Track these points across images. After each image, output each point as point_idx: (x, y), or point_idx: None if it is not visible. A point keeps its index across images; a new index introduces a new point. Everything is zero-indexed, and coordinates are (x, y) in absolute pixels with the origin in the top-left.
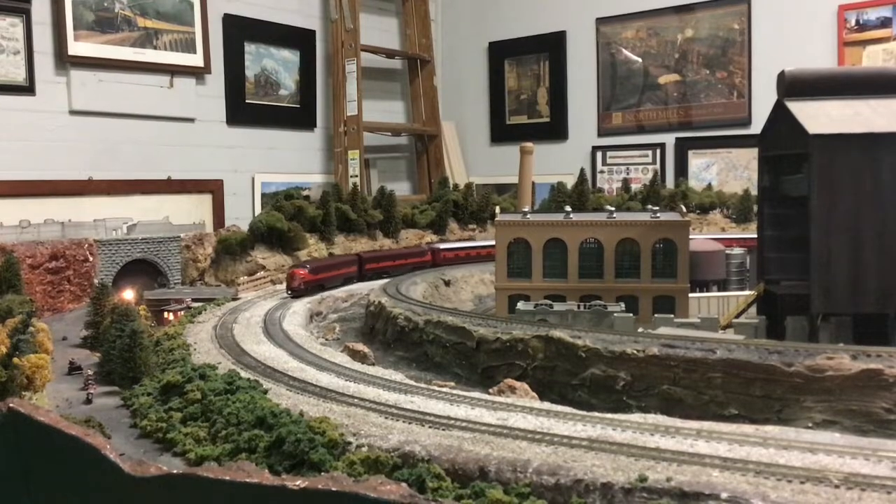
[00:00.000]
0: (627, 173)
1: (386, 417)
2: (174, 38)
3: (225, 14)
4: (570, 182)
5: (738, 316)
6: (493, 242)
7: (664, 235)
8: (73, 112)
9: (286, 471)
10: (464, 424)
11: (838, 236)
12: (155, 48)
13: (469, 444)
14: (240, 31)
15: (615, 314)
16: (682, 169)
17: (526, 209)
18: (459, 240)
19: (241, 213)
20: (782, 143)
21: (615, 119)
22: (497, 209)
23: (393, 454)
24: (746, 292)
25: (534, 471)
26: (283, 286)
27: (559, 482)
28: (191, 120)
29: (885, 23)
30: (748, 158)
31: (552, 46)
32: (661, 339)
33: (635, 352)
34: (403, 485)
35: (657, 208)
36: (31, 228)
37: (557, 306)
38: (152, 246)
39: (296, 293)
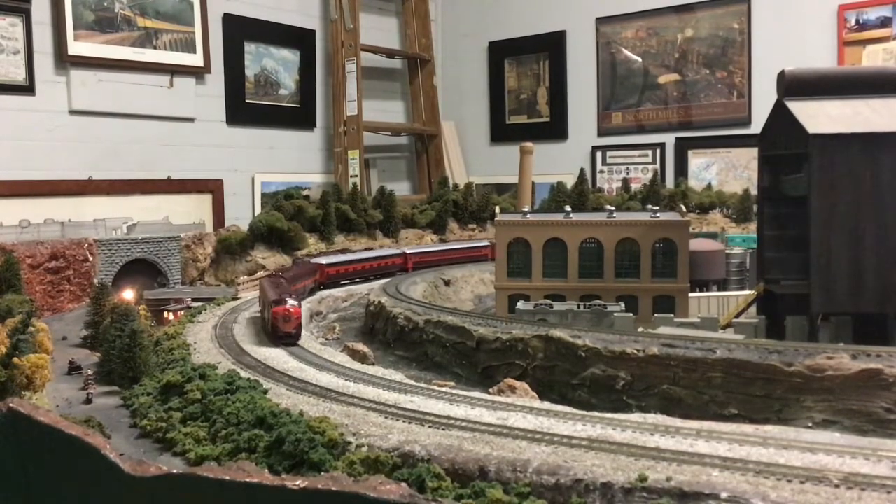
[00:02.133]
0: (627, 173)
1: (386, 417)
2: (174, 38)
3: (225, 14)
4: (570, 182)
5: (738, 316)
6: (393, 252)
7: (664, 235)
8: (73, 112)
9: (286, 471)
10: (464, 424)
11: (838, 236)
12: (155, 48)
13: (469, 443)
14: (240, 30)
15: (615, 314)
16: (682, 169)
17: (526, 209)
18: (345, 251)
19: (241, 213)
20: (782, 143)
21: (615, 119)
22: (497, 209)
23: (393, 454)
24: (746, 292)
25: (534, 470)
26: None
27: (559, 482)
28: (191, 120)
29: (884, 22)
30: (748, 158)
31: (552, 46)
32: (661, 338)
33: (635, 351)
34: (403, 485)
35: (657, 208)
36: (31, 228)
37: (557, 306)
38: (152, 246)
39: (290, 341)
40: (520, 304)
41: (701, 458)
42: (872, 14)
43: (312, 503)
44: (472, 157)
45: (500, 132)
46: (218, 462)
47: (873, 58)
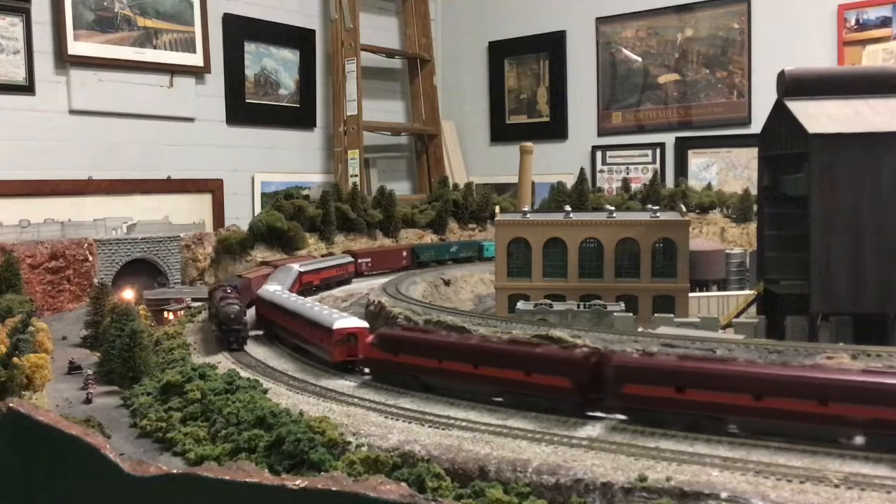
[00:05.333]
0: (627, 173)
1: (386, 417)
2: (174, 38)
3: (225, 13)
4: (569, 182)
5: (738, 316)
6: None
7: (664, 235)
8: (73, 112)
9: (286, 471)
10: (464, 424)
11: (838, 236)
12: (155, 48)
13: (469, 443)
14: (240, 30)
15: (615, 314)
16: (681, 168)
17: (526, 209)
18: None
19: (241, 213)
20: (782, 143)
21: (615, 118)
22: (497, 209)
23: (393, 454)
24: (746, 292)
25: (534, 470)
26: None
27: (559, 482)
28: (190, 119)
29: (884, 22)
30: (748, 158)
31: (552, 46)
32: (661, 338)
33: (635, 351)
34: (403, 484)
35: (657, 208)
36: (31, 228)
37: (557, 306)
38: (152, 245)
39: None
40: (520, 304)
41: (701, 458)
42: (872, 14)
43: (312, 503)
44: (472, 157)
45: (500, 132)
46: (218, 462)
47: (873, 58)
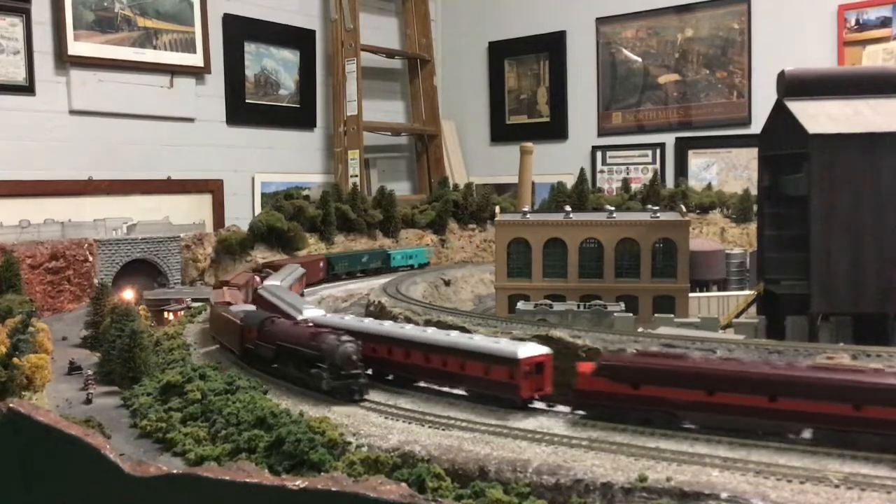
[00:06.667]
0: (627, 173)
1: (386, 417)
2: (174, 38)
3: (225, 14)
4: (569, 182)
5: (738, 316)
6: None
7: (664, 235)
8: (73, 112)
9: (286, 471)
10: (464, 424)
11: (838, 236)
12: (155, 48)
13: (469, 443)
14: (240, 30)
15: (615, 314)
16: (682, 169)
17: (526, 209)
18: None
19: (241, 213)
20: (782, 143)
21: (615, 119)
22: (497, 209)
23: (393, 454)
24: (746, 292)
25: (534, 471)
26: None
27: (559, 482)
28: (191, 120)
29: (885, 22)
30: (748, 158)
31: (552, 46)
32: (661, 338)
33: (635, 352)
34: (403, 485)
35: (657, 208)
36: (31, 228)
37: (557, 306)
38: (152, 246)
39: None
40: (520, 304)
41: (701, 458)
42: (872, 14)
43: (312, 503)
44: (472, 157)
45: (500, 132)
46: (218, 462)
47: (873, 58)
